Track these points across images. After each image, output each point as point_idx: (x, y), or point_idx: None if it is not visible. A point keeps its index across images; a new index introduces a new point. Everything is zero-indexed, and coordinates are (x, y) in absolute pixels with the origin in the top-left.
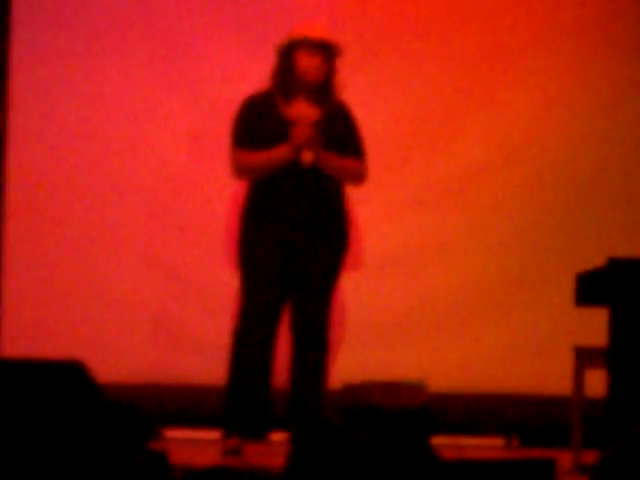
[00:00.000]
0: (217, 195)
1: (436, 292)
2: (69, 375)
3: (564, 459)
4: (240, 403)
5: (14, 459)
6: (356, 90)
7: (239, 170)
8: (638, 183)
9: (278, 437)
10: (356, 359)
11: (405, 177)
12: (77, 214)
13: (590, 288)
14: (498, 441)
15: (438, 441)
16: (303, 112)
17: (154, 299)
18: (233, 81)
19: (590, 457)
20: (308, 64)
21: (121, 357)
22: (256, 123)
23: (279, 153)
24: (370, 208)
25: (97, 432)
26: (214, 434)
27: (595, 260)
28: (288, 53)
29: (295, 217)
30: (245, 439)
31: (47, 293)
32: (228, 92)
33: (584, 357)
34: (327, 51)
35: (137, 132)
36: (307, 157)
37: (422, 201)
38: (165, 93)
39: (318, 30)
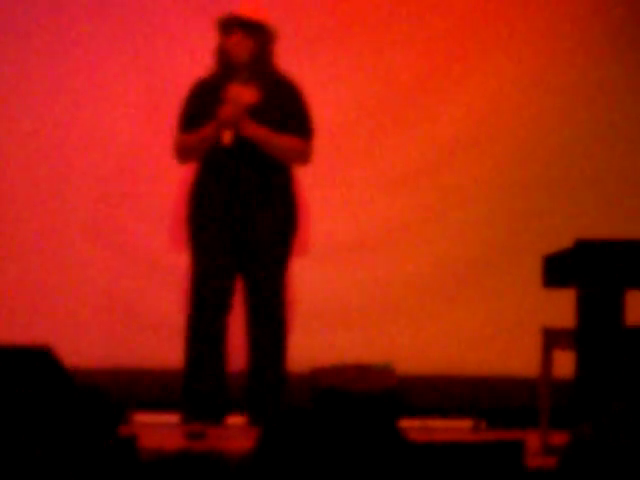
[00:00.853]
0: (170, 174)
1: (404, 274)
2: (37, 360)
3: (532, 440)
4: (196, 386)
5: None
6: (323, 72)
7: (177, 153)
8: (605, 164)
9: (236, 420)
10: (324, 342)
11: (372, 160)
12: (30, 198)
13: (557, 269)
14: (466, 423)
15: (406, 424)
16: (238, 92)
17: (113, 281)
18: (193, 64)
19: (558, 438)
20: (230, 43)
21: (81, 341)
22: (200, 107)
23: (204, 133)
24: (338, 191)
25: (66, 417)
26: (177, 418)
27: (562, 242)
28: (220, 33)
29: (236, 195)
30: (203, 422)
31: (4, 278)
32: (187, 76)
33: (552, 338)
34: (252, 29)
35: (88, 111)
36: (226, 137)
37: (389, 183)
38: (123, 76)
39: (242, 9)
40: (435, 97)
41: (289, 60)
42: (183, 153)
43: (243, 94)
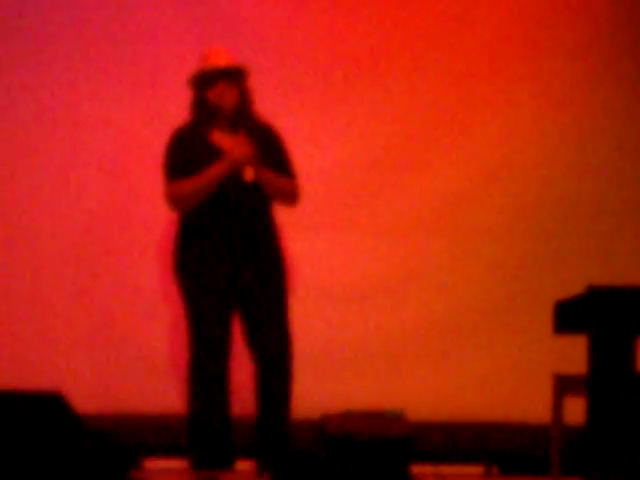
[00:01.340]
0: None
1: (415, 320)
2: (49, 406)
3: None
4: (202, 432)
5: None
6: (328, 117)
7: (176, 201)
8: (618, 211)
9: (245, 466)
10: (336, 388)
11: (386, 205)
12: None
13: (569, 316)
14: (478, 469)
15: (418, 470)
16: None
17: (114, 322)
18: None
19: None
20: (218, 93)
21: (85, 386)
22: (186, 154)
23: (216, 170)
24: (349, 237)
25: (77, 463)
26: (185, 463)
27: (574, 288)
28: (199, 85)
29: (236, 234)
30: (212, 469)
31: (22, 323)
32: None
33: (564, 385)
34: (234, 77)
35: (83, 141)
36: (249, 173)
37: (403, 229)
38: (112, 104)
39: (221, 58)
40: (443, 143)
41: (291, 106)
42: (184, 198)
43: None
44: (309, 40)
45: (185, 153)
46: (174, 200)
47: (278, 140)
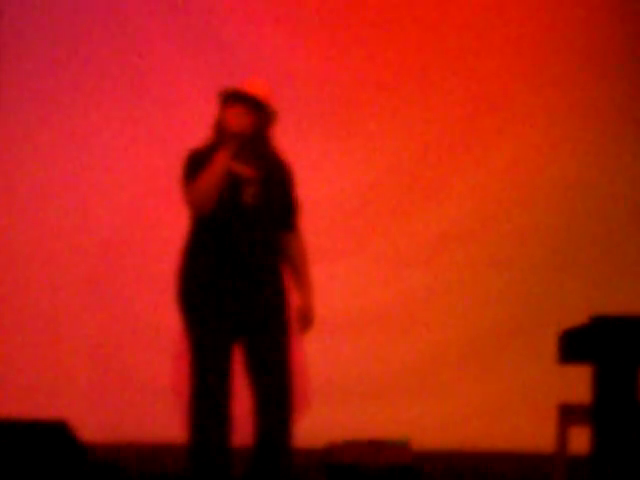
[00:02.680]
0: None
1: (418, 350)
2: (54, 435)
3: None
4: (202, 463)
5: None
6: (340, 148)
7: (195, 201)
8: (622, 241)
9: None
10: (339, 418)
11: (390, 236)
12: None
13: (573, 345)
14: None
15: None
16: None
17: (113, 350)
18: (198, 128)
19: None
20: (231, 113)
21: (89, 415)
22: (203, 165)
23: (221, 153)
24: (356, 266)
25: None
26: None
27: (578, 317)
28: (222, 103)
29: (239, 264)
30: None
31: (26, 353)
32: (192, 138)
33: (568, 414)
34: (255, 106)
35: (91, 171)
36: (249, 193)
37: (407, 259)
38: (126, 138)
39: (250, 86)
40: (452, 172)
41: (300, 132)
42: (198, 197)
43: (246, 171)
44: (320, 66)
45: (201, 164)
46: (193, 201)
47: (287, 174)
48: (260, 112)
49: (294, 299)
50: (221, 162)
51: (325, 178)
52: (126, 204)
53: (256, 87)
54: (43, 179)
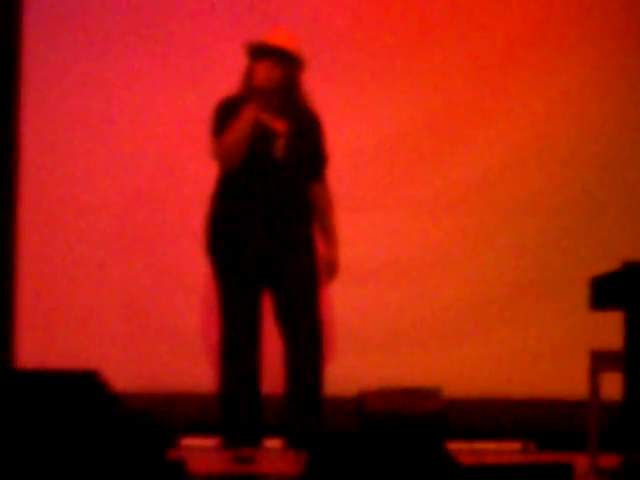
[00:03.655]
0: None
1: (450, 297)
2: (86, 385)
3: (581, 463)
4: (233, 410)
5: (32, 471)
6: (367, 97)
7: (222, 157)
8: None
9: (274, 444)
10: (372, 367)
11: (418, 183)
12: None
13: (605, 291)
14: (515, 445)
15: (456, 446)
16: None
17: (145, 300)
18: (232, 79)
19: (607, 460)
20: (259, 68)
21: (113, 364)
22: (230, 118)
23: (248, 110)
24: (384, 214)
25: (115, 442)
26: (216, 441)
27: (610, 263)
28: (250, 57)
29: (268, 213)
30: (243, 446)
31: (58, 303)
32: (223, 86)
33: (600, 360)
34: (283, 59)
35: (120, 122)
36: (280, 147)
37: (435, 206)
38: (167, 92)
39: (277, 37)
40: (479, 121)
41: (329, 84)
42: (226, 152)
43: (277, 125)
44: (351, 12)
45: (230, 116)
46: (220, 156)
47: (316, 125)
48: (288, 64)
49: (320, 248)
50: (247, 118)
51: (351, 127)
52: (156, 153)
53: (282, 38)
54: (72, 130)
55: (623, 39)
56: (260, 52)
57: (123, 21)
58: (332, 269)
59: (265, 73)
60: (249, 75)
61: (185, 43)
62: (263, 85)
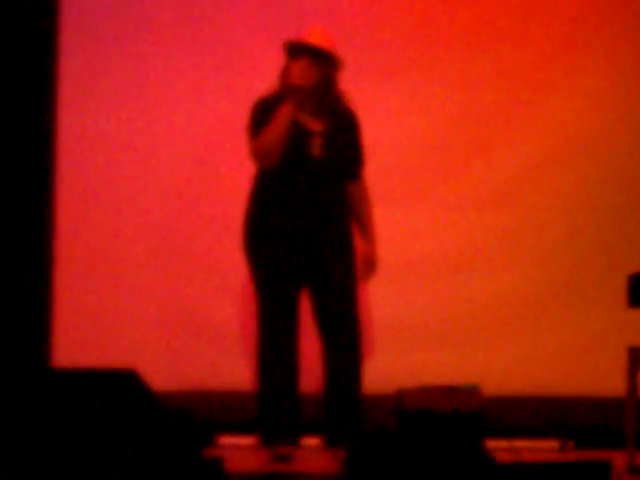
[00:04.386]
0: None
1: (487, 295)
2: (124, 384)
3: (619, 460)
4: (271, 409)
5: (71, 470)
6: (401, 94)
7: (259, 156)
8: None
9: (312, 442)
10: (411, 363)
11: (455, 182)
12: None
13: None
14: (553, 443)
15: (493, 444)
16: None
17: (183, 298)
18: (268, 78)
19: None
20: (296, 67)
21: (160, 364)
22: (267, 117)
23: (283, 108)
24: (421, 212)
25: (154, 441)
26: (254, 440)
27: None
28: (287, 56)
29: (306, 211)
30: (281, 445)
31: (95, 302)
32: (260, 85)
33: (637, 357)
34: (319, 58)
35: (161, 119)
36: (317, 145)
37: (472, 204)
38: (205, 87)
39: (313, 36)
40: (516, 117)
41: (364, 80)
42: (263, 151)
43: (313, 124)
44: (380, 17)
45: (267, 115)
46: (257, 155)
47: (353, 124)
48: (323, 63)
49: (357, 246)
50: (284, 116)
51: (388, 123)
52: (193, 150)
53: (318, 37)
54: (109, 126)
55: None
56: (296, 51)
57: (160, 21)
58: (370, 266)
59: (301, 72)
60: (286, 74)
61: (221, 43)
62: (299, 83)
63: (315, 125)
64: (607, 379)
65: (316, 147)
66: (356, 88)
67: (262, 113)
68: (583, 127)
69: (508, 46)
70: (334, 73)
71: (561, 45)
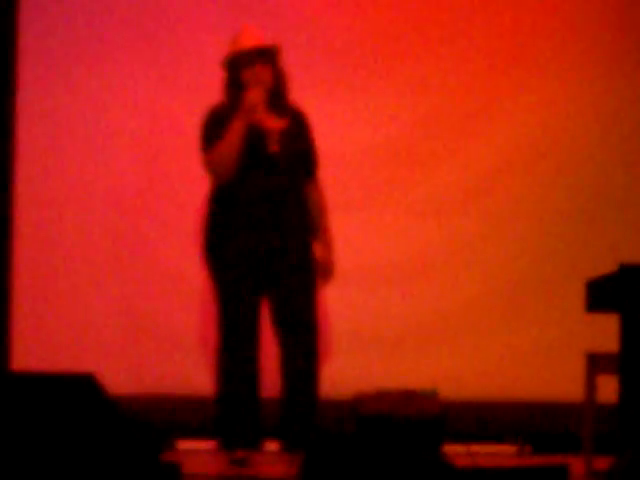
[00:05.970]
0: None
1: (447, 300)
2: (82, 388)
3: (577, 465)
4: (231, 413)
5: (28, 474)
6: (362, 98)
7: (214, 168)
8: None
9: (271, 446)
10: (368, 369)
11: (415, 186)
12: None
13: (601, 294)
14: (511, 448)
15: (451, 449)
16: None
17: (139, 302)
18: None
19: (603, 463)
20: (253, 74)
21: (110, 367)
22: (220, 128)
23: (235, 124)
24: (381, 217)
25: (111, 445)
26: (214, 444)
27: (606, 266)
28: (233, 66)
29: (265, 214)
30: (241, 449)
31: (54, 306)
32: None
33: (596, 363)
34: (268, 57)
35: (113, 123)
36: (274, 141)
37: (432, 209)
38: (161, 93)
39: (249, 40)
40: (477, 122)
41: (321, 85)
42: (217, 164)
43: (276, 125)
44: (338, 22)
45: (220, 127)
46: (212, 168)
47: (304, 122)
48: (273, 60)
49: (315, 250)
50: (238, 128)
51: (344, 129)
52: (150, 155)
53: (254, 38)
54: (68, 134)
55: (625, 41)
56: (246, 59)
57: (118, 24)
58: (327, 270)
59: (259, 77)
60: (234, 84)
61: (178, 47)
62: (260, 88)
63: (272, 122)
64: (565, 384)
65: (273, 145)
66: (318, 92)
67: (214, 125)
68: (544, 133)
69: (472, 53)
70: (282, 72)
71: (523, 52)
